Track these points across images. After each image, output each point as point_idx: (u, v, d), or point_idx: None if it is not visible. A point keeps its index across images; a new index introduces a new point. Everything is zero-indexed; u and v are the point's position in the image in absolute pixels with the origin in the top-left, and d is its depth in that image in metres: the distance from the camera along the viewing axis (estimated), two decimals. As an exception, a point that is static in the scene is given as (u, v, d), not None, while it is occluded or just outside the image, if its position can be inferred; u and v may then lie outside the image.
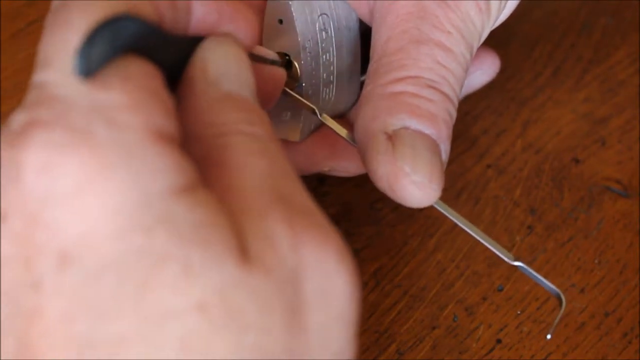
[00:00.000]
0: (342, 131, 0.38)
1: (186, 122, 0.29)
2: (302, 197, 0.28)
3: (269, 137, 0.29)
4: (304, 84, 0.40)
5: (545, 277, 0.44)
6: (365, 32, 0.41)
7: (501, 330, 0.42)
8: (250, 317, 0.25)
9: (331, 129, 0.38)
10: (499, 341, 0.42)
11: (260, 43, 0.40)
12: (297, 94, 0.39)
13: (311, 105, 0.39)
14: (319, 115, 0.38)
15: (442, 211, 0.37)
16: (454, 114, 0.37)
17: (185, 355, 0.24)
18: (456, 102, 0.37)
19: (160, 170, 0.25)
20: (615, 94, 0.52)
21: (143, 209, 0.24)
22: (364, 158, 0.36)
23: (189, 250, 0.24)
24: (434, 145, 0.35)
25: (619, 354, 0.42)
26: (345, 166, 0.42)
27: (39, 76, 0.26)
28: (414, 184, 0.35)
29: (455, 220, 0.38)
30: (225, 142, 0.28)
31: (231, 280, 0.25)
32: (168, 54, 0.29)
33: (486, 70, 0.45)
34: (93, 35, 0.25)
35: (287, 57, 0.39)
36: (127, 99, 0.25)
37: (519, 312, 0.43)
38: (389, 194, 0.35)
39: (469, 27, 0.37)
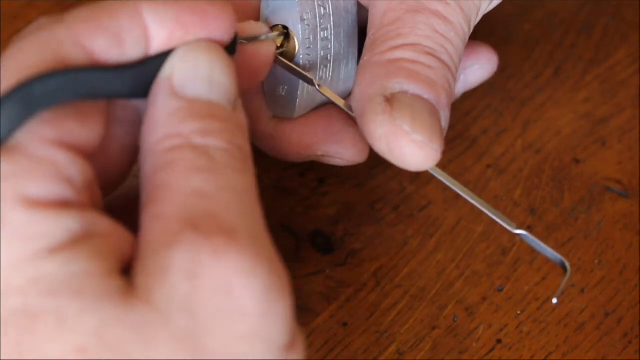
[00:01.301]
0: (340, 101, 0.38)
1: (145, 134, 0.29)
2: (231, 213, 0.28)
3: (226, 146, 0.29)
4: (301, 57, 0.40)
5: (545, 277, 0.44)
6: (362, 26, 0.41)
7: (501, 330, 0.42)
8: (132, 350, 0.26)
9: (327, 107, 0.38)
10: (499, 341, 0.42)
11: (259, 15, 0.41)
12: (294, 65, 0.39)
13: (308, 75, 0.39)
14: (316, 86, 0.38)
15: (440, 178, 0.37)
16: (453, 84, 0.36)
17: None
18: (455, 72, 0.37)
19: (29, 235, 0.26)
20: (615, 94, 0.52)
21: (14, 272, 0.26)
22: (361, 123, 0.35)
23: (61, 303, 0.26)
24: (433, 109, 0.35)
25: (619, 354, 0.42)
26: (339, 152, 0.42)
27: None
28: (414, 143, 0.34)
29: (455, 188, 0.37)
30: (170, 159, 0.28)
31: (108, 320, 0.26)
32: (128, 82, 0.29)
33: (484, 64, 0.44)
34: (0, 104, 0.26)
35: (285, 30, 0.40)
36: (5, 168, 0.26)
37: (519, 312, 0.43)
38: (388, 156, 0.34)
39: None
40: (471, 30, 0.38)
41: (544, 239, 0.46)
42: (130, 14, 0.29)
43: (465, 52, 0.43)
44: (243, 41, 0.36)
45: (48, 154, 0.27)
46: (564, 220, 0.46)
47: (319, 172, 0.47)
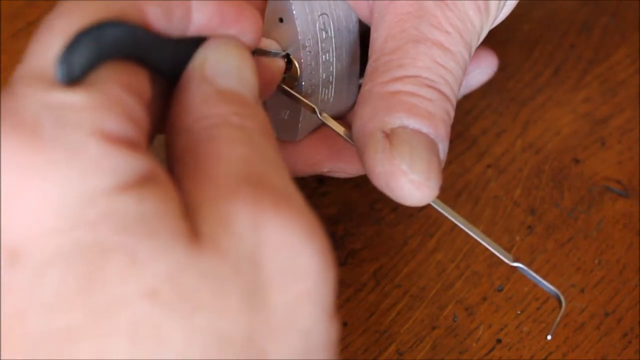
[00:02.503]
0: (341, 129, 0.38)
1: (179, 115, 0.30)
2: (278, 180, 0.28)
3: (259, 129, 0.30)
4: (303, 83, 0.40)
5: (545, 277, 0.44)
6: (364, 35, 0.41)
7: (501, 330, 0.42)
8: (203, 299, 0.25)
9: (330, 128, 0.38)
10: (499, 341, 0.42)
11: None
12: (296, 92, 0.39)
13: (310, 104, 0.39)
14: (318, 114, 0.39)
15: (441, 211, 0.37)
16: (452, 113, 0.37)
17: (137, 342, 0.25)
18: (454, 102, 0.37)
19: (105, 168, 0.26)
20: (615, 94, 0.52)
21: (86, 205, 0.25)
22: (361, 156, 0.36)
23: (134, 240, 0.25)
24: (431, 144, 0.35)
25: (619, 354, 0.42)
26: (344, 167, 0.42)
27: (17, 72, 0.27)
28: (411, 183, 0.35)
29: (454, 220, 0.38)
30: (211, 134, 0.29)
31: (180, 265, 0.25)
32: (166, 56, 0.30)
33: (484, 69, 0.45)
34: (75, 42, 0.26)
35: (287, 56, 0.40)
36: (82, 101, 0.26)
37: (519, 312, 0.43)
38: (387, 192, 0.35)
39: (468, 27, 0.37)
40: (472, 54, 0.38)
41: (544, 239, 0.46)
42: None
43: None
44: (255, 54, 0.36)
45: (122, 94, 0.27)
46: (563, 220, 0.47)
47: (317, 173, 0.47)
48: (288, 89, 0.39)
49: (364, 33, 0.41)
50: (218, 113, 0.29)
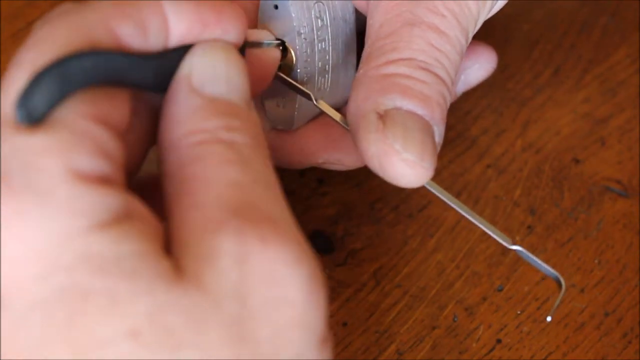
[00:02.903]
0: (337, 115, 0.38)
1: (167, 130, 0.30)
2: (267, 202, 0.28)
3: (249, 142, 0.29)
4: (299, 70, 0.40)
5: (545, 277, 0.44)
6: (361, 29, 0.41)
7: (501, 330, 0.42)
8: (185, 336, 0.25)
9: (326, 115, 0.38)
10: (499, 341, 0.42)
11: (256, 28, 0.41)
12: (292, 80, 0.39)
13: (306, 90, 0.39)
14: (314, 101, 0.38)
15: (437, 193, 0.37)
16: (449, 97, 0.37)
17: None
18: (451, 86, 0.37)
19: (77, 210, 0.25)
20: (615, 94, 0.52)
21: (62, 249, 0.25)
22: (355, 138, 0.35)
23: (112, 282, 0.25)
24: (426, 126, 0.35)
25: (619, 354, 0.42)
26: (340, 158, 0.42)
27: None
28: (404, 162, 0.34)
29: (452, 204, 0.37)
30: (199, 153, 0.29)
31: (161, 303, 0.25)
32: (148, 73, 0.29)
33: (483, 64, 0.44)
34: (36, 80, 0.26)
35: (282, 43, 0.40)
36: (47, 142, 0.26)
37: (519, 312, 0.43)
38: (380, 173, 0.35)
39: (464, 11, 0.37)
40: (469, 41, 0.38)
41: (544, 239, 0.46)
42: (153, 5, 0.30)
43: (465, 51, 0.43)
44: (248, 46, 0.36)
45: (90, 128, 0.27)
46: (563, 220, 0.46)
47: (319, 172, 0.47)
48: (283, 76, 0.39)
49: (361, 27, 0.41)
50: (206, 128, 0.29)
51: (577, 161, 0.49)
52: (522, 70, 0.53)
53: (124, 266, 0.25)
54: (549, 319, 0.38)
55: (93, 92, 0.27)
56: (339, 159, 0.42)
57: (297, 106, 0.41)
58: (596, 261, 0.45)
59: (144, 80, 0.29)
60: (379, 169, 0.35)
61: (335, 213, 0.46)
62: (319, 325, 0.28)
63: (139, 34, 0.29)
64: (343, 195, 0.46)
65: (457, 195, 0.47)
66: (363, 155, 0.35)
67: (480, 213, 0.46)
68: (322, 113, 0.42)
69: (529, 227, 0.46)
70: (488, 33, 0.45)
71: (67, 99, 0.27)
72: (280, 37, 0.39)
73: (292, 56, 0.40)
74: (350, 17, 0.41)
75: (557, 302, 0.37)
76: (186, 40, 0.31)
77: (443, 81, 0.36)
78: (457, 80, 0.44)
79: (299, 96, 0.40)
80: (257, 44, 0.36)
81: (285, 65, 0.40)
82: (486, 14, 0.38)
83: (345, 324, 0.42)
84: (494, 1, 0.38)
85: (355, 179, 0.47)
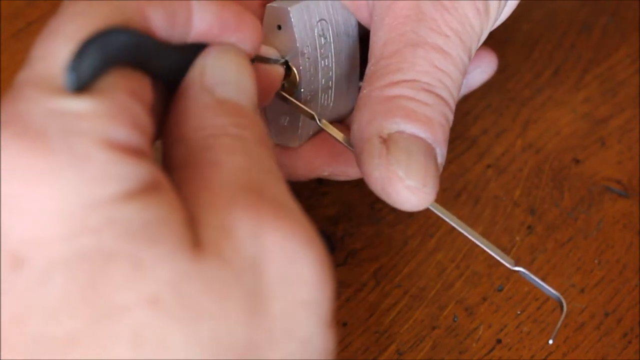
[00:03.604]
0: (340, 135, 0.38)
1: (177, 124, 0.30)
2: (276, 189, 0.29)
3: (256, 139, 0.30)
4: (302, 90, 0.40)
5: (545, 277, 0.44)
6: (363, 39, 0.41)
7: (501, 330, 0.42)
8: (204, 306, 0.25)
9: (329, 134, 0.38)
10: (499, 341, 0.42)
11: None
12: (295, 99, 0.39)
13: (310, 111, 0.39)
14: (317, 121, 0.39)
15: (440, 214, 0.37)
16: (451, 117, 0.37)
17: (138, 349, 0.25)
18: (453, 106, 0.37)
19: (109, 176, 0.26)
20: (615, 94, 0.52)
21: (90, 212, 0.25)
22: (359, 162, 0.36)
23: (137, 248, 0.25)
24: (428, 149, 0.35)
25: (619, 354, 0.42)
26: (345, 170, 0.42)
27: (21, 76, 0.27)
28: (407, 189, 0.35)
29: (453, 224, 0.38)
30: (209, 143, 0.29)
31: (182, 272, 0.26)
32: (167, 62, 0.30)
33: (485, 68, 0.45)
34: (83, 49, 0.26)
35: (285, 62, 0.40)
36: (89, 108, 0.26)
37: (519, 312, 0.43)
38: (383, 197, 0.35)
39: (467, 30, 0.37)
40: (472, 57, 0.38)
41: (544, 239, 0.46)
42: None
43: None
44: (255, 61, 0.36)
45: (128, 101, 0.27)
46: (563, 220, 0.47)
47: (318, 177, 0.47)
48: (287, 96, 0.39)
49: (364, 36, 0.41)
50: (216, 124, 0.30)
51: (577, 161, 0.49)
52: (522, 70, 0.53)
53: (149, 233, 0.26)
54: (550, 342, 0.39)
55: (127, 69, 0.28)
56: (344, 171, 0.42)
57: (300, 124, 0.41)
58: (596, 261, 0.45)
59: (162, 69, 0.30)
60: (382, 193, 0.35)
61: (335, 213, 0.46)
62: (327, 309, 0.28)
63: (168, 23, 0.30)
64: (343, 195, 0.46)
65: (457, 195, 0.47)
66: (366, 178, 0.36)
67: (480, 213, 0.46)
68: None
69: (529, 227, 0.46)
70: (488, 33, 0.45)
71: (108, 71, 0.27)
72: (283, 57, 0.39)
73: (295, 75, 0.40)
74: (354, 31, 0.41)
75: (559, 324, 0.37)
76: (204, 38, 0.31)
77: (446, 102, 0.36)
78: None
79: (302, 115, 0.40)
80: (264, 59, 0.37)
81: (289, 84, 0.40)
82: (489, 29, 0.39)
83: (345, 324, 0.42)
84: (497, 16, 0.38)
85: (355, 179, 0.47)
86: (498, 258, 0.38)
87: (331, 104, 0.41)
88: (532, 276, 0.37)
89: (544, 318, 0.43)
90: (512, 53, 0.53)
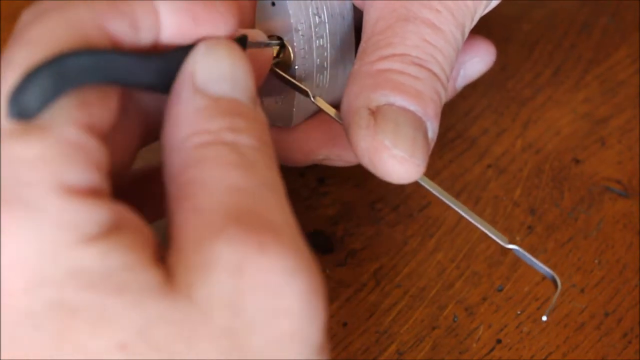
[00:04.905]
0: (332, 111, 0.38)
1: (171, 131, 0.29)
2: (271, 210, 0.28)
3: (255, 143, 0.29)
4: (297, 67, 0.40)
5: (544, 277, 0.44)
6: (358, 26, 0.41)
7: (501, 330, 0.42)
8: (175, 349, 0.25)
9: (322, 111, 0.38)
10: (499, 341, 0.42)
11: (253, 26, 0.41)
12: (290, 77, 0.39)
13: (303, 87, 0.39)
14: (311, 98, 0.38)
15: (431, 190, 0.37)
16: (443, 93, 0.36)
17: None
18: (446, 82, 0.37)
19: (65, 224, 0.25)
20: (615, 94, 0.52)
21: (49, 264, 0.25)
22: (347, 133, 0.35)
23: (101, 297, 0.25)
24: (418, 122, 0.35)
25: (619, 354, 0.42)
26: (340, 154, 0.42)
27: None
28: (394, 158, 0.34)
29: (446, 200, 0.37)
30: (202, 155, 0.28)
31: (150, 316, 0.25)
32: (149, 72, 0.29)
33: (482, 57, 0.44)
34: (29, 79, 0.25)
35: (280, 40, 0.40)
36: (39, 153, 0.26)
37: (519, 312, 0.43)
38: (371, 169, 0.35)
39: (460, 7, 0.37)
40: (466, 36, 0.38)
41: (544, 239, 0.46)
42: (145, 2, 0.29)
43: (463, 46, 0.43)
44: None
45: (81, 138, 0.26)
46: (563, 220, 0.46)
47: (319, 172, 0.47)
48: (281, 73, 0.39)
49: (358, 24, 0.41)
50: (210, 128, 0.29)
51: (577, 161, 0.49)
52: (522, 70, 0.53)
53: (112, 280, 0.25)
54: (544, 318, 0.38)
55: (84, 91, 0.27)
56: (339, 155, 0.42)
57: (295, 103, 0.41)
58: (596, 261, 0.45)
59: (145, 80, 0.29)
60: (370, 165, 0.35)
61: (335, 213, 0.46)
62: (316, 336, 0.27)
63: (131, 30, 0.29)
64: (343, 195, 0.46)
65: (457, 195, 0.47)
66: (354, 151, 0.35)
67: (481, 213, 0.46)
68: (321, 109, 0.42)
69: (529, 227, 0.46)
70: (487, 33, 0.45)
71: (61, 98, 0.26)
72: (277, 34, 0.40)
73: (289, 53, 0.40)
74: (348, 14, 0.41)
75: (554, 301, 0.37)
76: (178, 35, 0.30)
77: (437, 77, 0.36)
78: (457, 74, 0.44)
79: (297, 93, 0.40)
80: (252, 44, 0.36)
81: (283, 62, 0.40)
82: (483, 9, 0.38)
83: (345, 324, 0.42)
84: None
85: (355, 179, 0.47)
86: (491, 235, 0.37)
87: (326, 86, 0.41)
88: (526, 254, 0.37)
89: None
90: (512, 53, 0.53)
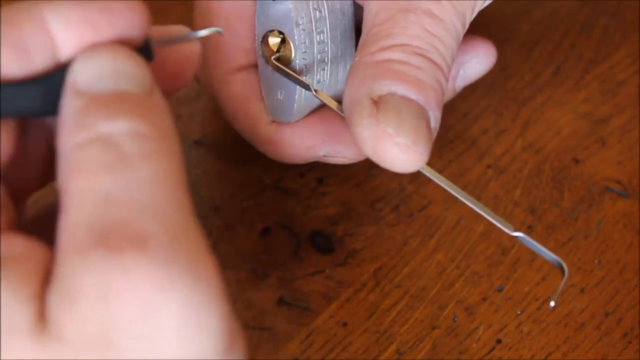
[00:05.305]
0: (334, 104, 0.38)
1: (58, 142, 0.27)
2: (144, 215, 0.25)
3: (138, 126, 0.26)
4: (297, 61, 0.40)
5: (545, 277, 0.44)
6: (359, 24, 0.41)
7: (501, 330, 0.42)
8: None
9: (326, 108, 0.38)
10: (499, 341, 0.42)
11: (253, 22, 0.41)
12: (290, 70, 0.39)
13: (304, 81, 0.39)
14: (312, 91, 0.38)
15: (434, 179, 0.37)
16: (444, 82, 0.36)
17: None
18: (447, 72, 0.37)
19: None
20: (615, 94, 0.52)
21: None
22: (349, 124, 0.35)
23: None
24: (421, 111, 0.35)
25: (619, 354, 0.42)
26: (340, 151, 0.42)
27: None
28: (397, 146, 0.34)
29: (449, 189, 0.37)
30: (77, 160, 0.26)
31: (21, 358, 0.24)
32: (35, 96, 0.27)
33: (482, 58, 0.44)
34: None
35: (281, 35, 0.40)
36: None
37: (519, 312, 0.43)
38: (374, 158, 0.35)
39: None
40: (466, 27, 0.38)
41: (544, 239, 0.46)
42: (32, 21, 0.27)
43: (463, 46, 0.43)
44: (163, 44, 0.33)
45: None
46: (563, 220, 0.47)
47: (319, 172, 0.47)
48: (282, 67, 0.39)
49: (359, 21, 0.41)
50: (84, 123, 0.26)
51: (577, 161, 0.49)
52: (522, 70, 0.53)
53: None
54: (552, 303, 0.38)
55: None
56: (340, 152, 0.42)
57: (296, 98, 0.41)
58: (596, 261, 0.45)
59: (32, 105, 0.27)
60: (373, 154, 0.34)
61: (335, 213, 0.46)
62: (210, 346, 0.25)
63: (19, 57, 0.27)
64: (343, 195, 0.46)
65: (457, 195, 0.47)
66: (357, 141, 0.35)
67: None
68: (321, 105, 0.42)
69: (529, 227, 0.46)
70: (487, 33, 0.45)
71: None
72: (278, 28, 0.40)
73: (290, 47, 0.40)
74: (349, 10, 0.41)
75: (561, 286, 0.36)
76: (81, 48, 0.28)
77: (438, 66, 0.36)
78: (456, 75, 0.44)
79: (298, 87, 0.40)
80: (171, 40, 0.33)
81: (284, 56, 0.40)
82: (484, 1, 0.38)
83: (345, 324, 0.42)
84: None
85: (356, 179, 0.47)
86: (496, 223, 0.37)
87: (327, 81, 0.41)
88: (532, 241, 0.37)
89: (544, 318, 0.43)
90: (512, 53, 0.53)
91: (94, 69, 0.27)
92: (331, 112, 0.41)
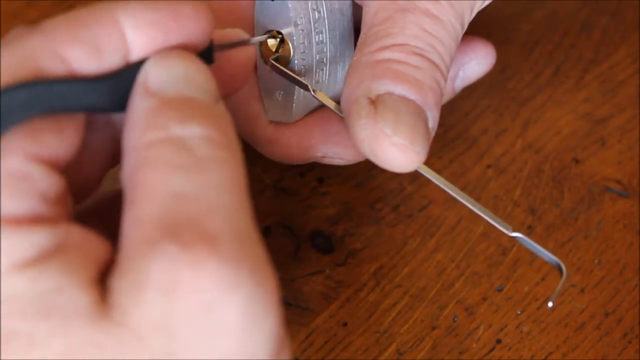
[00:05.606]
0: (332, 104, 0.38)
1: (124, 138, 0.28)
2: (215, 215, 0.26)
3: (211, 134, 0.28)
4: (296, 62, 0.40)
5: (544, 277, 0.44)
6: (358, 25, 0.41)
7: (501, 330, 0.42)
8: None
9: (324, 108, 0.38)
10: (499, 341, 0.42)
11: (252, 22, 0.41)
12: (289, 70, 0.39)
13: (303, 81, 0.39)
14: (311, 91, 0.38)
15: (432, 179, 0.37)
16: (443, 82, 0.36)
17: None
18: (445, 72, 0.37)
19: None
20: (615, 94, 0.52)
21: None
22: (347, 123, 0.35)
23: (31, 322, 0.25)
24: (418, 110, 0.35)
25: (619, 354, 0.42)
26: (339, 152, 0.42)
27: None
28: (395, 146, 0.34)
29: (447, 189, 0.37)
30: (148, 157, 0.27)
31: (77, 342, 0.25)
32: (102, 93, 0.28)
33: (482, 59, 0.44)
34: None
35: (279, 35, 0.40)
36: None
37: (519, 312, 0.43)
38: (372, 158, 0.35)
39: None
40: (465, 28, 0.38)
41: (544, 239, 0.46)
42: (107, 22, 0.28)
43: (462, 47, 0.43)
44: (222, 48, 0.34)
45: (23, 168, 0.26)
46: (563, 220, 0.46)
47: (319, 172, 0.47)
48: (281, 67, 0.39)
49: (358, 22, 0.41)
50: (158, 123, 0.27)
51: (577, 161, 0.49)
52: (522, 70, 0.53)
53: (41, 305, 0.25)
54: (550, 304, 0.38)
55: (37, 123, 0.27)
56: (338, 153, 0.42)
57: (295, 98, 0.41)
58: (596, 261, 0.45)
59: (97, 103, 0.28)
60: (370, 154, 0.34)
61: (335, 213, 0.46)
62: (264, 348, 0.26)
63: (93, 56, 0.28)
64: (343, 195, 0.46)
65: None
66: (354, 140, 0.35)
67: (480, 213, 0.46)
68: (320, 106, 0.42)
69: (529, 227, 0.46)
70: (487, 33, 0.46)
71: (8, 132, 0.26)
72: (276, 29, 0.40)
73: (289, 47, 0.40)
74: (348, 10, 0.41)
75: (559, 286, 0.36)
76: (150, 50, 0.29)
77: (437, 66, 0.36)
78: (455, 76, 0.44)
79: (297, 88, 0.40)
80: (231, 45, 0.34)
81: (283, 56, 0.40)
82: (482, 1, 0.38)
83: (345, 324, 0.42)
84: None
85: (355, 179, 0.47)
86: (495, 224, 0.37)
87: (325, 82, 0.41)
88: (531, 242, 0.37)
89: (544, 318, 0.43)
90: (512, 53, 0.53)
91: (166, 72, 0.29)
92: (330, 112, 0.41)
